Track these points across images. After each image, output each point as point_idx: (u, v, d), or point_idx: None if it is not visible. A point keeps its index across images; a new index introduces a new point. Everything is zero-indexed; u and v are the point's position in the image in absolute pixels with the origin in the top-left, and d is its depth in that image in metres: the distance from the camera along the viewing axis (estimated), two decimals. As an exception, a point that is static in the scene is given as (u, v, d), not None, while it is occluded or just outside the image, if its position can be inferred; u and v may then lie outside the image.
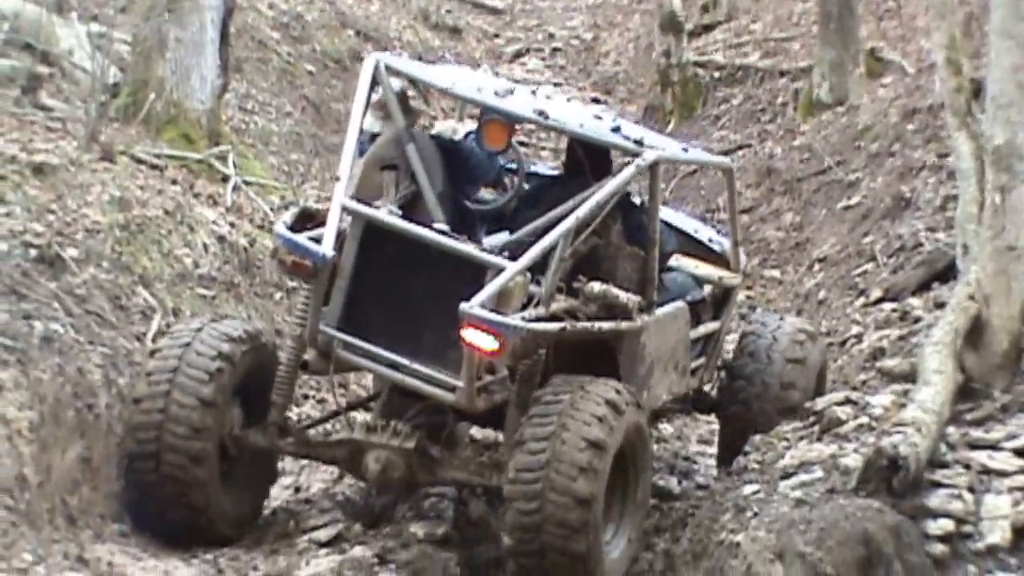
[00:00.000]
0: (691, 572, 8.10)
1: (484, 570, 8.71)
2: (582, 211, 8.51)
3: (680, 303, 9.59)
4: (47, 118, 11.66)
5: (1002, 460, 7.78)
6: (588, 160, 9.38)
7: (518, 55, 24.58)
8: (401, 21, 23.05)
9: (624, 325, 8.68)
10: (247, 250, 11.64)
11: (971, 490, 7.53)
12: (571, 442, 7.98)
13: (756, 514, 7.73)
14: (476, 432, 10.27)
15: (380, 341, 8.54)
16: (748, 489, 8.31)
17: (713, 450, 10.90)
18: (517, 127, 9.60)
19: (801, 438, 8.87)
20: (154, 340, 9.34)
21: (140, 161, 11.67)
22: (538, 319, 8.26)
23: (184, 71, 12.88)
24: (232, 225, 11.77)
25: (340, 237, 8.51)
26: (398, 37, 22.28)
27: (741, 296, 12.81)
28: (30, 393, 8.09)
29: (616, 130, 9.27)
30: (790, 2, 22.31)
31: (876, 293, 12.78)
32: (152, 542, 8.39)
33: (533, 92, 9.98)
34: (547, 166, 12.58)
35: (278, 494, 9.67)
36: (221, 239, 11.41)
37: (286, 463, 9.72)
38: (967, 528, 7.34)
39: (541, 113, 9.10)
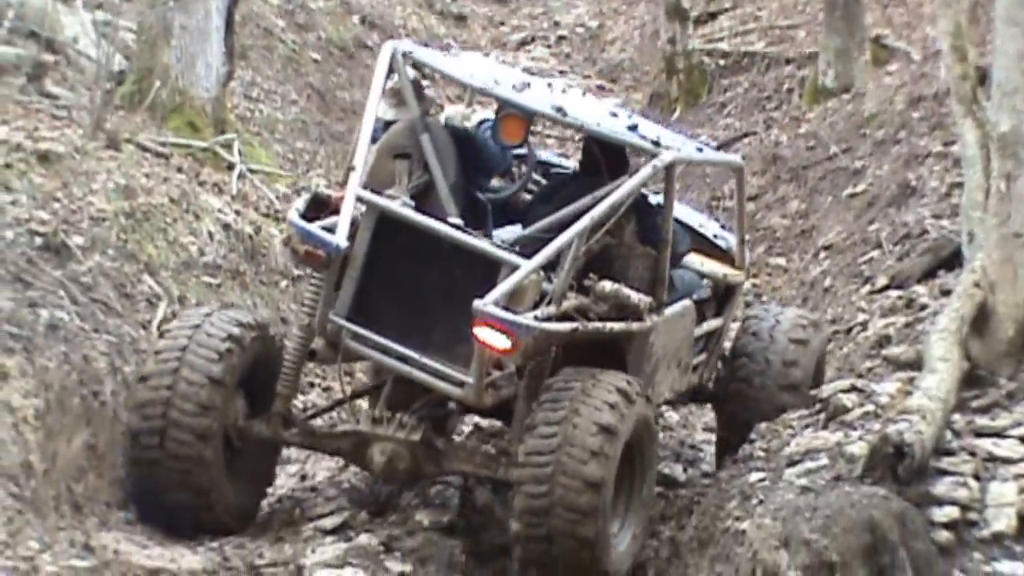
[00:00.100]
0: (696, 559, 8.12)
1: (490, 558, 8.72)
2: (598, 211, 8.48)
3: (687, 302, 9.59)
4: (52, 106, 11.67)
5: (1008, 447, 7.77)
6: (604, 158, 9.34)
7: (523, 43, 24.55)
8: (406, 8, 23.04)
9: (635, 326, 8.68)
10: (252, 238, 11.64)
11: (976, 478, 7.52)
12: (583, 426, 7.98)
13: (761, 501, 7.74)
14: (483, 421, 10.27)
15: (389, 333, 8.52)
16: (754, 477, 8.32)
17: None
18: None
19: (806, 426, 8.87)
20: (160, 327, 9.35)
21: (145, 149, 11.68)
22: (550, 318, 8.24)
23: (189, 59, 12.88)
24: (237, 213, 11.78)
25: (353, 226, 8.49)
26: (403, 24, 22.27)
27: (747, 284, 12.82)
28: (36, 381, 8.10)
29: (633, 128, 9.24)
30: (795, -11, 22.29)
31: (882, 281, 12.77)
32: (158, 530, 8.40)
33: (549, 85, 9.94)
34: (553, 153, 12.57)
35: (284, 482, 9.69)
36: (226, 227, 11.42)
37: (292, 451, 9.72)
38: (972, 516, 7.33)
39: (559, 109, 9.05)
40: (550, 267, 8.38)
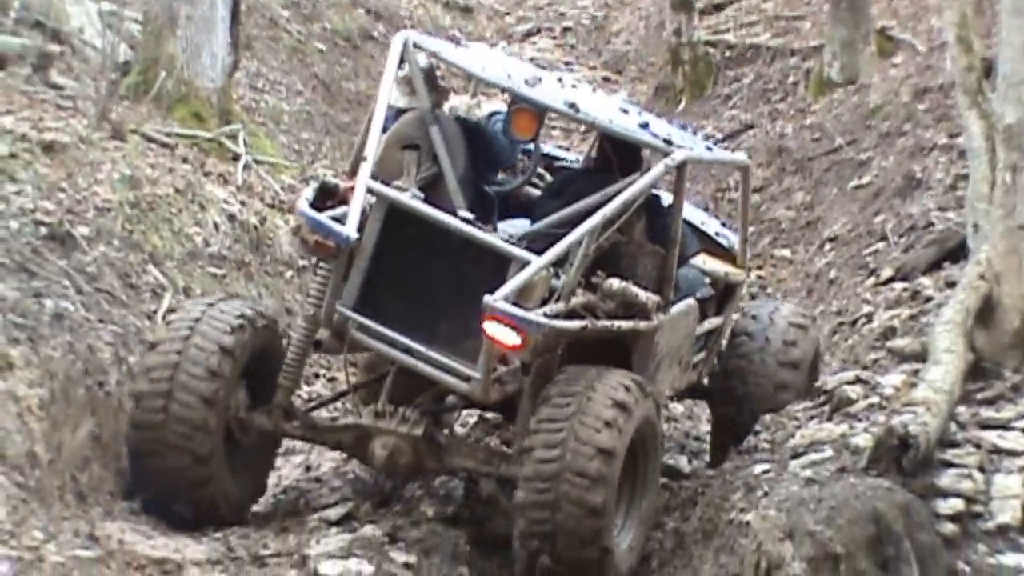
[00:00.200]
0: (701, 551, 8.12)
1: (494, 548, 8.72)
2: (610, 208, 8.46)
3: (691, 301, 9.58)
4: (58, 96, 11.67)
5: (1012, 439, 7.77)
6: (616, 156, 9.31)
7: (529, 34, 24.53)
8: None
9: (643, 325, 8.67)
10: (257, 229, 11.65)
11: (981, 469, 7.52)
12: (598, 399, 8.01)
13: (766, 493, 7.74)
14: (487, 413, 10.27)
15: (396, 325, 8.47)
16: (758, 468, 8.32)
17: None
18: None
19: (811, 417, 8.87)
20: (164, 318, 9.35)
21: (151, 139, 11.68)
22: (559, 315, 8.22)
23: (195, 49, 12.88)
24: (243, 204, 11.78)
25: (362, 217, 8.45)
26: (409, 15, 22.26)
27: (752, 276, 12.82)
28: (41, 370, 8.10)
29: (644, 126, 9.21)
30: (801, -19, 22.27)
31: (887, 272, 12.77)
32: (162, 520, 8.39)
33: (559, 80, 9.91)
34: (553, 145, 12.55)
35: (288, 472, 9.69)
36: (231, 218, 11.43)
37: (297, 442, 9.72)
38: (977, 507, 7.33)
39: (572, 106, 9.01)
40: (559, 263, 8.37)
